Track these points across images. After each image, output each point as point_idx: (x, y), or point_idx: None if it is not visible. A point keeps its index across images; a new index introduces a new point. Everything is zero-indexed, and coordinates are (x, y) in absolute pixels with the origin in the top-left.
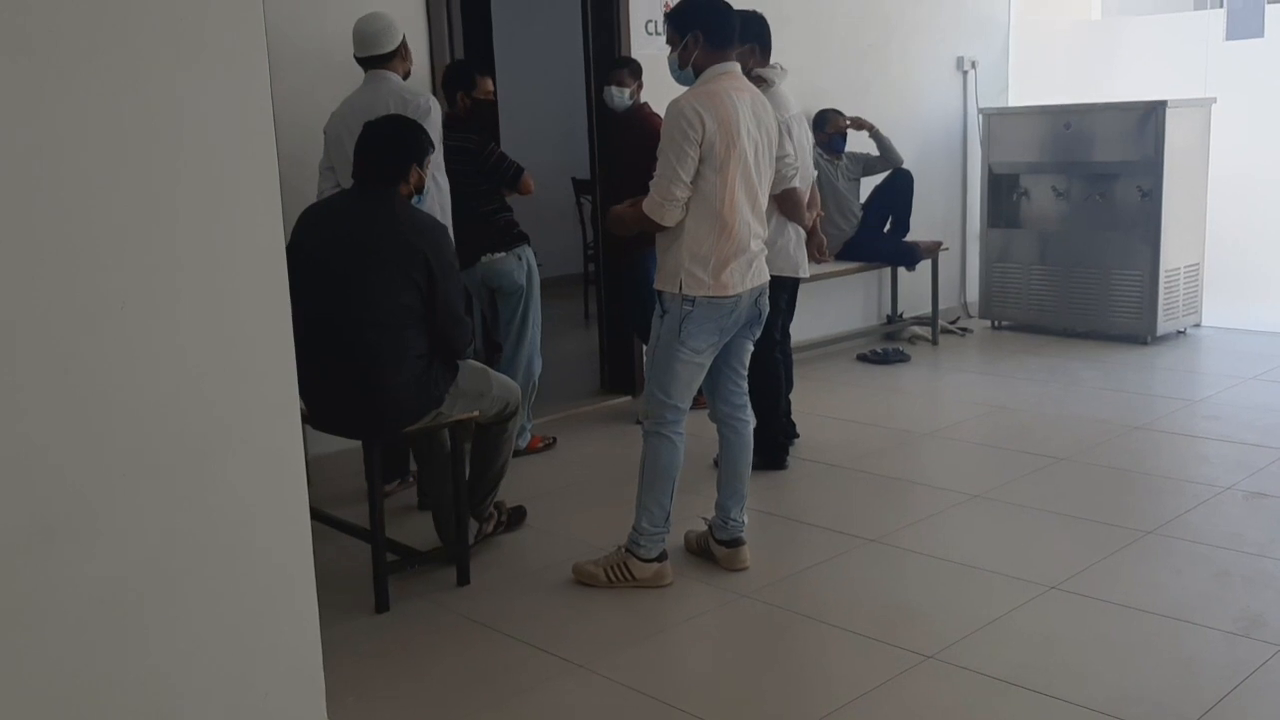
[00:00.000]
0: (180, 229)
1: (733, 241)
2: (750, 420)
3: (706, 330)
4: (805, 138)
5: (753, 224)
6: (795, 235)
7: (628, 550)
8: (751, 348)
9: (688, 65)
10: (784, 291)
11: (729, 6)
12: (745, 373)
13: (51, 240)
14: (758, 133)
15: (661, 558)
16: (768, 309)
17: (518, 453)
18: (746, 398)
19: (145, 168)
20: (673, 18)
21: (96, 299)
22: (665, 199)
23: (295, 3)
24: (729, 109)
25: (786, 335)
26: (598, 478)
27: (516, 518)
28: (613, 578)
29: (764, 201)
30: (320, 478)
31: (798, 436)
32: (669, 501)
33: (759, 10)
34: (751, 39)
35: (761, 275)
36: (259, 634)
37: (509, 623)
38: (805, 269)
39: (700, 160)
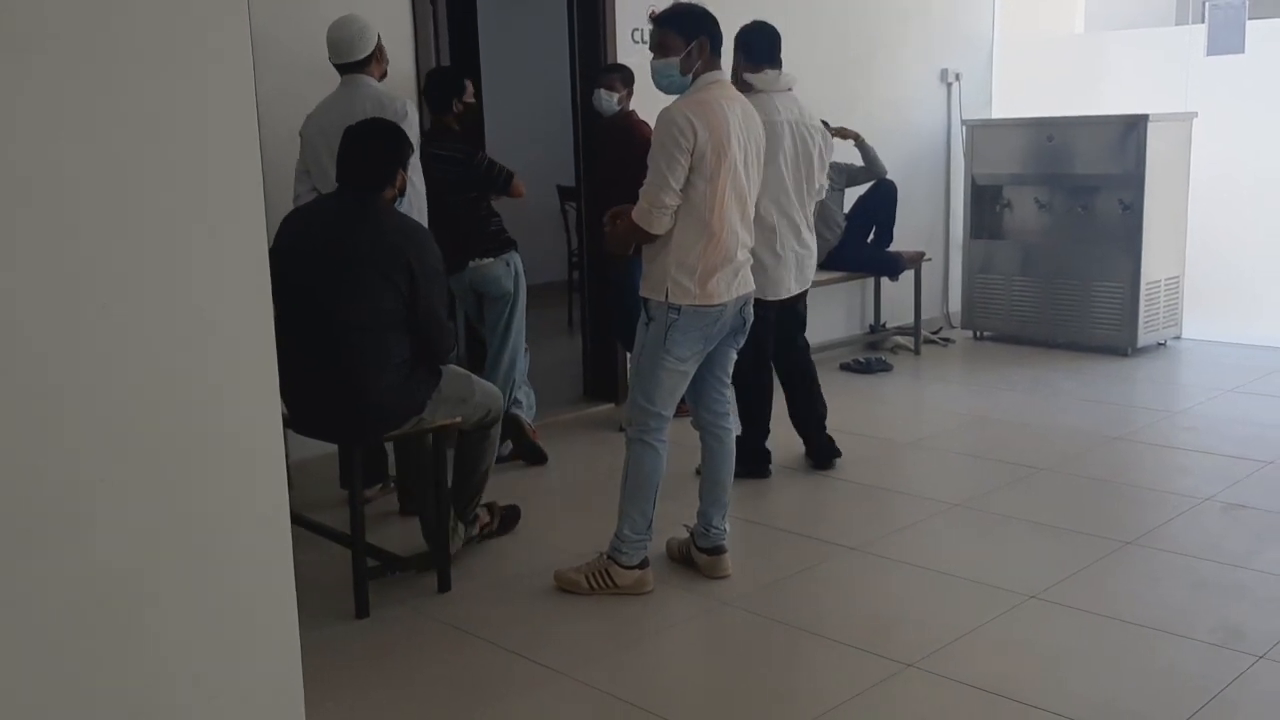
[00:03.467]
0: (162, 231)
1: (720, 251)
2: (733, 429)
3: (691, 339)
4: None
5: (740, 233)
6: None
7: (609, 557)
8: (735, 356)
9: (690, 72)
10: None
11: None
12: (729, 381)
13: (32, 242)
14: (747, 141)
15: (643, 565)
16: (752, 318)
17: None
18: (730, 406)
19: (127, 169)
20: (676, 22)
21: (77, 301)
22: (655, 206)
23: (280, 4)
24: (720, 118)
25: (806, 344)
26: (580, 484)
27: (509, 519)
28: (594, 584)
29: (752, 211)
30: (301, 482)
31: (839, 454)
32: (651, 509)
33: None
34: (739, 46)
35: (747, 284)
36: (238, 639)
37: (490, 629)
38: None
39: (691, 169)
